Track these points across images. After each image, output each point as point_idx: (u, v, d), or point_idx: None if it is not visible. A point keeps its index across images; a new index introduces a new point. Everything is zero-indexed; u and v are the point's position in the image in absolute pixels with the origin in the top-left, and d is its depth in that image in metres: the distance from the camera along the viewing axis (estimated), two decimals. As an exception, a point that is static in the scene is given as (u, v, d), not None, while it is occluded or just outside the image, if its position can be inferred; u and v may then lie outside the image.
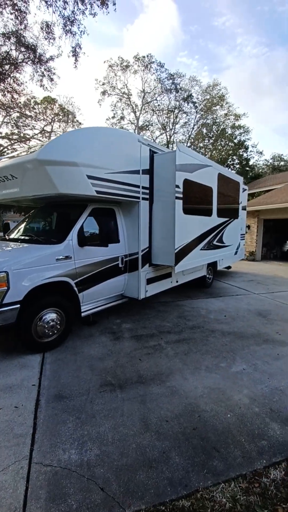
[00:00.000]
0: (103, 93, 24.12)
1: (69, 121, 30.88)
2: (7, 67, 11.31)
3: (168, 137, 26.51)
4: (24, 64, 11.64)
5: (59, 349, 3.61)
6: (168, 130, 26.17)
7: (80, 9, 9.90)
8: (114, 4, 10.41)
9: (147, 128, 26.08)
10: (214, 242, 5.83)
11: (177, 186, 4.29)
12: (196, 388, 2.77)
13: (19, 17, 9.16)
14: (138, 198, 4.35)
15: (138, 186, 4.32)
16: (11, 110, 14.57)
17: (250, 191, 17.76)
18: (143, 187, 4.41)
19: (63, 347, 3.66)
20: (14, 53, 11.11)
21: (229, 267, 9.26)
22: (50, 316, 3.53)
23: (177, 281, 5.67)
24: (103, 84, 23.88)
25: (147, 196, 4.55)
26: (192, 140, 26.98)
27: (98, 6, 10.13)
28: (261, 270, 10.63)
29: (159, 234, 4.59)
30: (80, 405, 2.49)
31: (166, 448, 2.01)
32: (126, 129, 26.50)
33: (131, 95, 24.83)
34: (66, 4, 9.52)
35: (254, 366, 3.22)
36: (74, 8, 9.74)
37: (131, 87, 25.50)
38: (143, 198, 4.45)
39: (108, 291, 4.44)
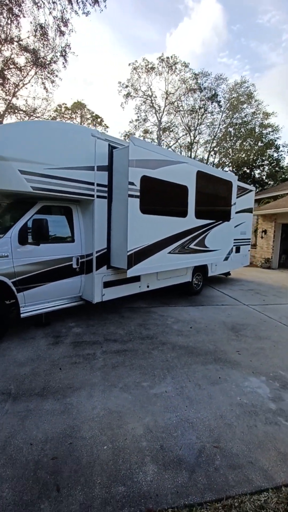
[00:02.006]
0: (127, 95, 24.28)
1: (97, 124, 31.83)
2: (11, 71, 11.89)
3: (193, 137, 25.84)
4: (27, 67, 12.19)
5: (-11, 349, 3.50)
6: (192, 130, 25.50)
7: (72, 9, 10.11)
8: (105, 0, 10.61)
9: (170, 130, 25.69)
10: (191, 246, 5.34)
11: (132, 183, 3.96)
12: (94, 408, 2.43)
13: (14, 21, 9.59)
14: (92, 196, 4.11)
15: (92, 183, 4.08)
16: (32, 117, 15.23)
17: (273, 194, 16.46)
18: (99, 185, 4.15)
19: (-5, 348, 3.54)
20: (16, 58, 11.72)
21: (227, 274, 8.56)
22: (-20, 315, 3.43)
23: (148, 286, 5.29)
24: (127, 86, 24.05)
25: (105, 194, 4.29)
26: (218, 141, 25.96)
27: (90, 5, 10.32)
28: (270, 279, 9.69)
29: (116, 235, 4.30)
30: None
31: (3, 478, 1.73)
32: (150, 131, 26.42)
33: (156, 97, 24.66)
34: (55, 4, 9.77)
35: (180, 389, 2.77)
36: (63, 8, 9.96)
37: (154, 88, 25.40)
38: (99, 196, 4.20)
39: (60, 293, 4.25)
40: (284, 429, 2.26)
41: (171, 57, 22.86)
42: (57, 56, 11.97)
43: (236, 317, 5.21)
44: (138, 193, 4.07)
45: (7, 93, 12.76)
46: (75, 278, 4.35)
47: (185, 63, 22.99)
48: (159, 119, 24.67)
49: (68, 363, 3.21)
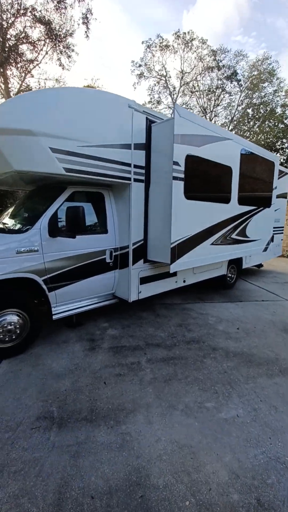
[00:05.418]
0: (140, 75, 22.98)
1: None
2: (25, 46, 10.99)
3: (209, 120, 24.47)
4: (41, 42, 11.22)
5: (20, 356, 3.08)
6: (208, 112, 24.13)
7: None
8: None
9: (185, 112, 24.32)
10: (233, 236, 4.75)
11: (177, 163, 3.38)
12: (158, 441, 1.98)
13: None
14: (129, 179, 3.55)
15: (128, 164, 3.51)
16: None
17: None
18: (135, 166, 3.58)
19: (27, 355, 3.13)
20: (30, 31, 10.74)
21: (260, 266, 7.94)
22: (8, 318, 2.99)
23: (184, 281, 4.78)
24: (140, 66, 22.70)
25: (142, 178, 3.72)
26: (235, 123, 24.55)
27: None
28: (302, 270, 9.00)
29: (155, 224, 3.76)
30: (-4, 446, 1.90)
31: None
32: (164, 114, 25.17)
33: (170, 77, 23.27)
34: None
35: (254, 412, 2.29)
36: None
37: (169, 68, 23.92)
38: (136, 180, 3.63)
39: (92, 291, 3.79)
40: None
41: (188, 32, 21.32)
42: (78, 24, 10.77)
43: (283, 315, 4.66)
44: (183, 175, 3.48)
45: (22, 71, 11.89)
46: (109, 273, 3.86)
47: (202, 40, 21.42)
48: (174, 100, 23.38)
49: (112, 375, 2.76)
